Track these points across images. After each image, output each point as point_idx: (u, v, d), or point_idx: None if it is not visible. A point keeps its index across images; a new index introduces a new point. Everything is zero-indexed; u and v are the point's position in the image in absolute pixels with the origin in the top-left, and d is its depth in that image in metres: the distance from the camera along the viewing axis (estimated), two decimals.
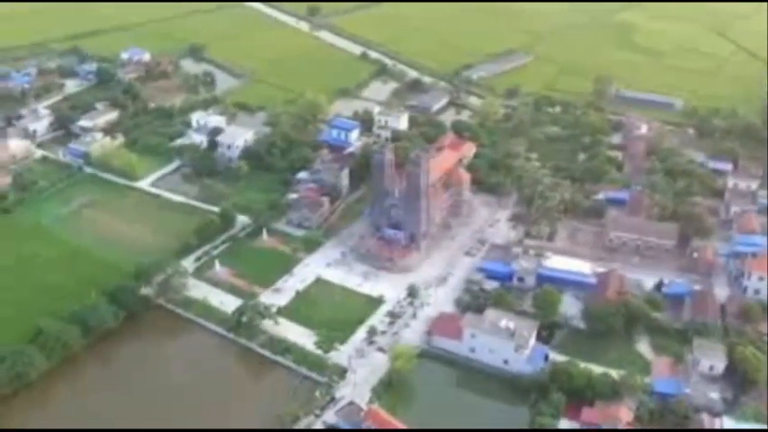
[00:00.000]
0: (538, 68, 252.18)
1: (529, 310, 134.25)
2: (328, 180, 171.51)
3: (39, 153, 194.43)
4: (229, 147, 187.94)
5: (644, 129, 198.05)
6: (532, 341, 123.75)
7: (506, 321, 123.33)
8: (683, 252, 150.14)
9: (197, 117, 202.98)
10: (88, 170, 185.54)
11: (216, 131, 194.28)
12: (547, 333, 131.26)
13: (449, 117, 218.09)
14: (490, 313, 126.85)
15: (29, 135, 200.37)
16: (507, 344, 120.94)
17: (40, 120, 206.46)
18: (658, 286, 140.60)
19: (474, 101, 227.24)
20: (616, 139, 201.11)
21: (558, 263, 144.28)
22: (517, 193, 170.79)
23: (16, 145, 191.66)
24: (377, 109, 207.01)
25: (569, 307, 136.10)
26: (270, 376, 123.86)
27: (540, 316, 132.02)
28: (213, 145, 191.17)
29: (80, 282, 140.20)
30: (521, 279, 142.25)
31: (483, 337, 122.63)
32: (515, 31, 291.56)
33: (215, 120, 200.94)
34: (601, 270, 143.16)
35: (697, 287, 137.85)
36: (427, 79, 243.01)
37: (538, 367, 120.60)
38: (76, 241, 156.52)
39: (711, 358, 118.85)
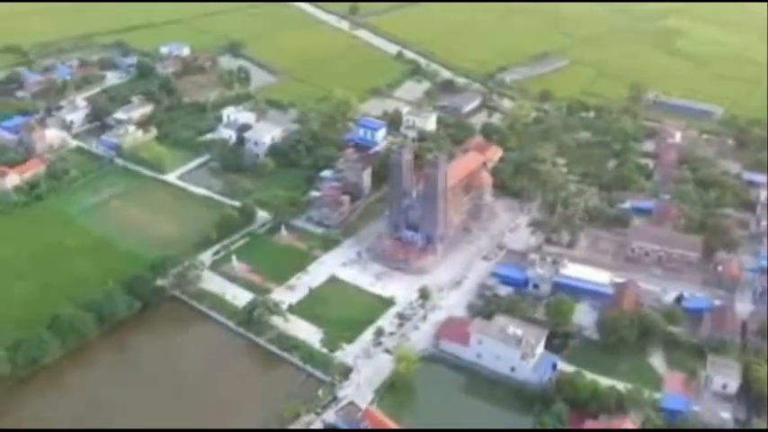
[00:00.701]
0: (575, 72, 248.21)
1: (542, 319, 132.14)
2: (350, 179, 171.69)
3: (74, 143, 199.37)
4: (256, 143, 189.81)
5: (677, 137, 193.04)
6: (540, 349, 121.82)
7: (514, 328, 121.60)
8: (707, 265, 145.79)
9: (227, 113, 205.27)
10: (119, 162, 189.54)
11: (245, 127, 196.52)
12: (559, 342, 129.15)
13: (480, 119, 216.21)
14: (499, 319, 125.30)
15: (66, 126, 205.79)
16: (514, 351, 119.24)
17: (77, 111, 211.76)
18: (678, 300, 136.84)
19: (507, 103, 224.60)
20: (649, 146, 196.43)
21: (574, 271, 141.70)
22: (541, 198, 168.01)
23: (53, 135, 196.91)
24: (405, 109, 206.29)
25: (584, 316, 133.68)
26: (275, 372, 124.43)
27: (553, 325, 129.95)
28: (241, 141, 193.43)
29: (101, 271, 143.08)
30: (536, 286, 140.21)
31: (490, 343, 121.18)
32: (555, 34, 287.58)
33: (245, 116, 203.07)
34: (619, 280, 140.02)
35: (718, 302, 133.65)
36: (461, 80, 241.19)
37: (545, 376, 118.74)
38: (101, 231, 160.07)
39: (725, 376, 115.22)
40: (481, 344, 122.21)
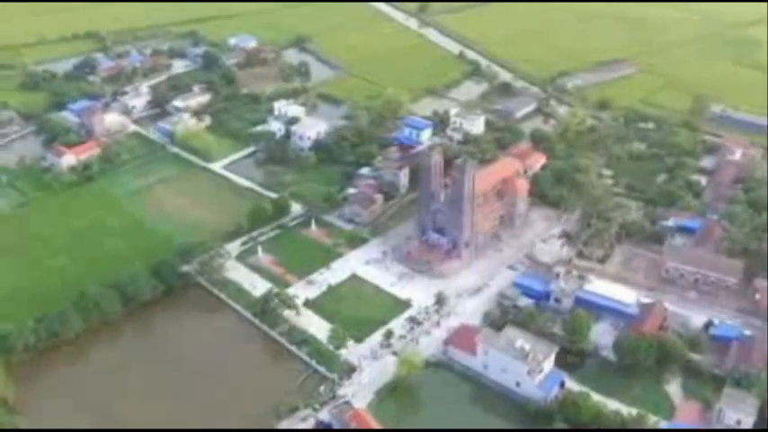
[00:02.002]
0: (642, 80, 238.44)
1: (559, 334, 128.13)
2: (387, 178, 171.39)
3: (132, 128, 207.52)
4: (301, 137, 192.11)
5: (737, 154, 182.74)
6: (548, 366, 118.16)
7: (523, 342, 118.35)
8: (745, 292, 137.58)
9: (279, 105, 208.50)
10: (171, 148, 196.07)
11: (293, 121, 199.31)
12: (575, 360, 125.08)
13: (535, 124, 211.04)
14: (508, 331, 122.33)
15: (127, 111, 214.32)
16: (520, 365, 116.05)
17: (139, 97, 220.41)
18: (707, 326, 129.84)
19: (564, 110, 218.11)
20: (708, 162, 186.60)
21: (599, 288, 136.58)
22: (580, 210, 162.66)
23: (112, 119, 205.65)
24: (453, 110, 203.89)
25: (604, 336, 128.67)
26: (282, 365, 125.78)
27: (569, 342, 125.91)
28: (289, 134, 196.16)
29: (134, 252, 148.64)
30: (557, 300, 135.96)
31: (496, 354, 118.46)
32: (632, 40, 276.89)
33: (294, 109, 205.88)
34: (646, 301, 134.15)
35: (748, 332, 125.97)
36: (521, 83, 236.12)
37: (550, 394, 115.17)
38: (141, 214, 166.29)
39: (740, 411, 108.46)
40: (488, 355, 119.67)
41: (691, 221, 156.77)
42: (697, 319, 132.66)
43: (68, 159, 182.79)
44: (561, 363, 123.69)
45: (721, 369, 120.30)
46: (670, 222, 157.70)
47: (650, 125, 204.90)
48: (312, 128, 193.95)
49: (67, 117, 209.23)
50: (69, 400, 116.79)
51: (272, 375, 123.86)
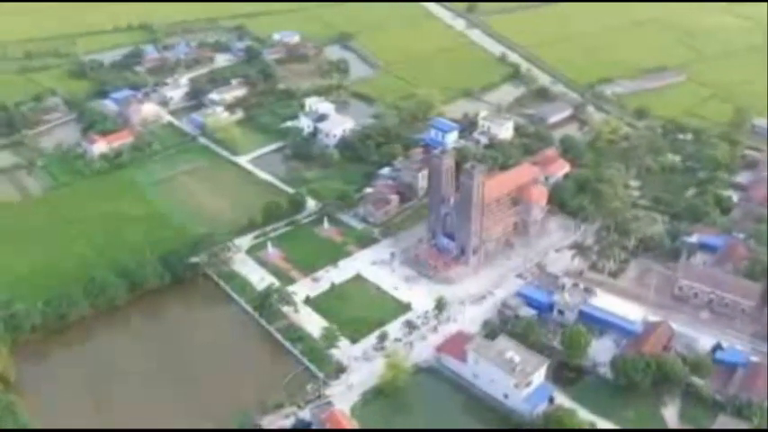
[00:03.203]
0: (686, 90, 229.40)
1: (558, 348, 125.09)
2: (405, 179, 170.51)
3: (168, 119, 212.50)
4: (327, 134, 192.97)
5: None
6: (538, 379, 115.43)
7: (513, 353, 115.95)
8: (762, 316, 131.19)
9: (310, 102, 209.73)
10: (201, 140, 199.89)
11: (321, 118, 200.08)
12: (571, 376, 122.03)
13: (569, 130, 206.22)
14: (500, 341, 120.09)
15: (165, 102, 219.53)
16: (507, 377, 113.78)
17: (178, 89, 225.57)
18: (714, 349, 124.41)
19: (600, 117, 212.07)
20: (744, 177, 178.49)
21: (604, 302, 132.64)
22: (599, 221, 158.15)
23: (149, 109, 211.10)
24: (482, 113, 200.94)
25: (604, 352, 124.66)
26: (276, 360, 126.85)
27: (567, 356, 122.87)
28: (316, 131, 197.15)
29: (149, 240, 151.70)
30: (561, 312, 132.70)
31: (485, 364, 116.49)
32: (682, 48, 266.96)
33: (325, 106, 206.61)
34: (653, 319, 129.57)
35: (755, 359, 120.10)
36: (561, 88, 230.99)
37: (536, 408, 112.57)
38: (162, 203, 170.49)
39: None
40: (478, 364, 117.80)
41: (715, 239, 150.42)
42: (706, 342, 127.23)
43: (100, 146, 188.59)
44: (558, 377, 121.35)
45: (723, 395, 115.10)
46: (693, 239, 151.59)
47: (689, 136, 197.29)
48: (338, 125, 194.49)
49: (107, 105, 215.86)
50: (67, 381, 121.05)
51: (264, 370, 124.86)
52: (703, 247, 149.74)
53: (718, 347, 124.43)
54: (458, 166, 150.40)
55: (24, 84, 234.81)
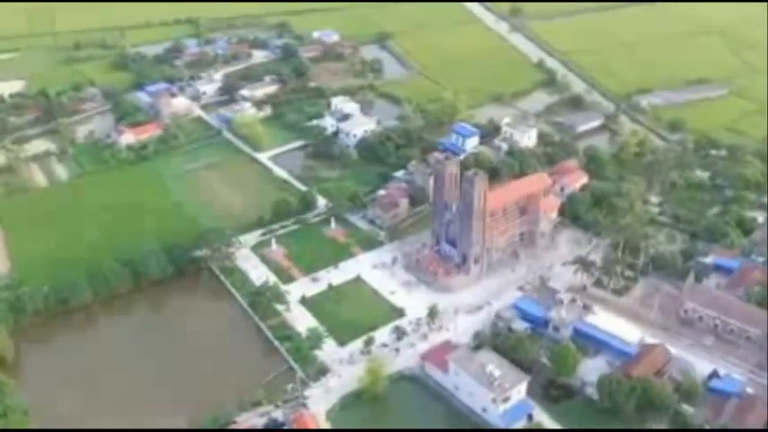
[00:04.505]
0: (729, 104, 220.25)
1: (547, 365, 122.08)
2: (417, 183, 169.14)
3: (198, 113, 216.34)
4: (348, 134, 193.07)
5: None
6: (517, 395, 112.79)
7: (493, 368, 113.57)
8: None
9: (336, 101, 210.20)
10: (227, 135, 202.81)
11: (345, 117, 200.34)
12: (559, 394, 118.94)
13: (599, 140, 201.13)
14: (483, 354, 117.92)
15: (197, 96, 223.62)
16: (485, 391, 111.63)
17: (211, 84, 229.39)
18: (711, 376, 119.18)
19: (633, 128, 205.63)
20: None
21: (601, 321, 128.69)
22: (611, 236, 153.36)
23: (179, 103, 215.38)
24: (505, 120, 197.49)
25: (596, 372, 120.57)
26: (263, 358, 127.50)
27: (555, 374, 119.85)
28: (339, 130, 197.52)
29: (161, 232, 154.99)
30: (556, 328, 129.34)
31: (464, 377, 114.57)
32: (735, 60, 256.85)
33: (350, 106, 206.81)
34: (650, 341, 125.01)
35: (750, 390, 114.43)
36: (596, 97, 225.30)
37: (513, 425, 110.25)
38: (180, 196, 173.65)
39: None
40: (458, 376, 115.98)
41: (731, 261, 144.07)
42: (705, 368, 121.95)
43: (128, 138, 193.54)
44: (544, 395, 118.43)
45: (712, 425, 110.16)
46: (708, 259, 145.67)
47: (722, 152, 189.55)
48: (360, 126, 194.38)
49: (141, 98, 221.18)
50: (59, 365, 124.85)
51: (251, 366, 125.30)
52: (718, 268, 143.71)
53: (714, 375, 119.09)
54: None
55: (69, 73, 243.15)
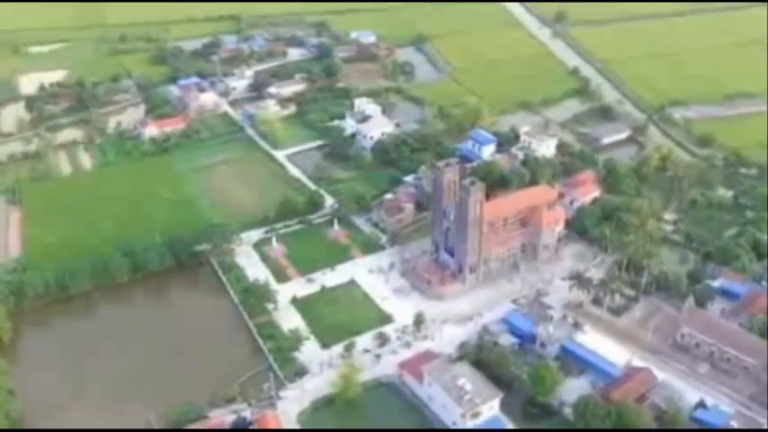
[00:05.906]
0: (765, 120, 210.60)
1: (528, 382, 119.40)
2: (426, 188, 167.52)
3: (225, 108, 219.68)
4: (365, 136, 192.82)
5: None
6: (489, 411, 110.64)
7: (465, 381, 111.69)
8: (764, 377, 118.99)
9: (358, 102, 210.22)
10: (249, 132, 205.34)
11: (365, 119, 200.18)
12: (536, 412, 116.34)
13: (624, 153, 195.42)
14: (458, 367, 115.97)
15: (227, 92, 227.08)
16: (455, 405, 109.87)
17: (242, 80, 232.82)
18: (698, 406, 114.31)
19: (660, 142, 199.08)
20: None
21: (589, 340, 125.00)
22: (617, 252, 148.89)
23: (207, 98, 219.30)
24: (524, 128, 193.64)
25: (577, 392, 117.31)
26: (246, 355, 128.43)
27: (534, 392, 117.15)
28: (357, 131, 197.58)
29: (170, 224, 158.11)
30: (543, 345, 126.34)
31: (437, 389, 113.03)
32: None
33: (371, 108, 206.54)
34: (637, 365, 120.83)
35: (734, 423, 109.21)
36: (627, 108, 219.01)
37: None
38: (194, 190, 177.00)
39: None
40: (432, 387, 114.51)
41: (738, 286, 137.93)
42: (694, 396, 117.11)
43: (151, 130, 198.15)
44: (523, 413, 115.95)
45: None
46: (716, 283, 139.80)
47: (752, 171, 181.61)
48: (377, 128, 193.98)
49: (173, 91, 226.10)
50: (52, 348, 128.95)
51: (233, 363, 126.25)
52: (726, 293, 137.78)
53: (701, 405, 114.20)
54: (483, 180, 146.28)
55: (110, 65, 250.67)
